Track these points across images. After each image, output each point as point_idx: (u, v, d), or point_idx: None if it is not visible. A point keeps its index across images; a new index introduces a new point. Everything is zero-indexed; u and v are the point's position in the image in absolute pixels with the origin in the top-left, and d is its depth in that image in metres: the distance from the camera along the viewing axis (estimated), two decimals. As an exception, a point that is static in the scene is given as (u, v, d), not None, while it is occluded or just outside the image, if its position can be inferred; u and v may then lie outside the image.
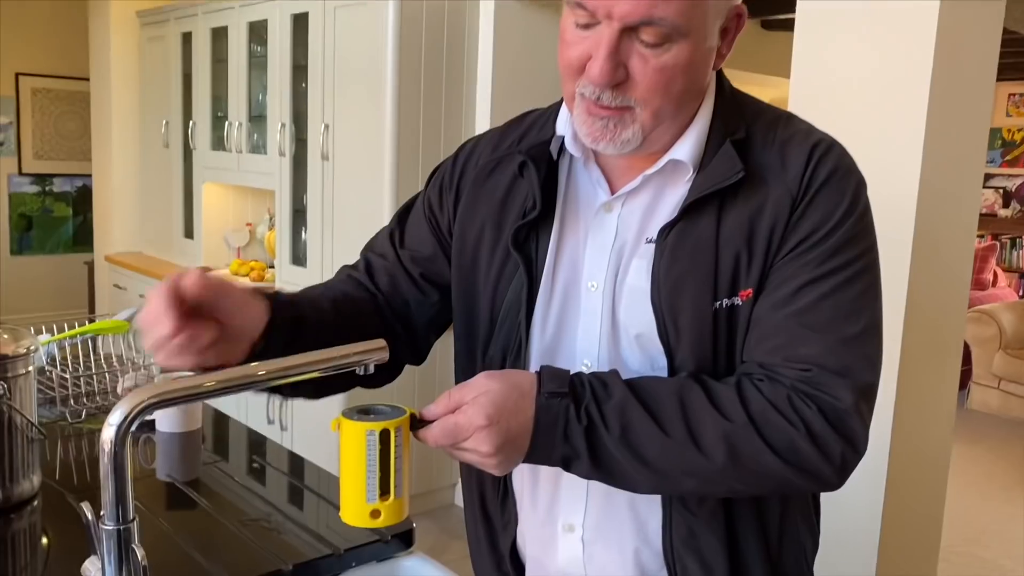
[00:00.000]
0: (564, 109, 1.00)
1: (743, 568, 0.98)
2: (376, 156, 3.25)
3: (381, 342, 0.86)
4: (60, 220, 6.38)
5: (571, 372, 0.88)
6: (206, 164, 4.29)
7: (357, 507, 0.82)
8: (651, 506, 0.98)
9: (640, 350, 0.95)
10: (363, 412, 0.83)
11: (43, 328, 1.99)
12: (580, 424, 0.85)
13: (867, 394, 0.88)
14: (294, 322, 0.93)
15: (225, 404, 3.68)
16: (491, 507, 1.11)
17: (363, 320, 1.05)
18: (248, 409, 3.64)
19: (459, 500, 3.62)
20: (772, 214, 0.90)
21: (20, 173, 6.19)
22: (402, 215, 1.15)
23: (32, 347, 1.34)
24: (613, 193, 0.97)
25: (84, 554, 1.26)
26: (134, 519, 0.74)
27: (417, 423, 0.84)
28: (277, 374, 0.79)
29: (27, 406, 1.35)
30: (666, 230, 0.92)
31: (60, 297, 6.29)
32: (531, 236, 0.99)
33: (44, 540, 1.29)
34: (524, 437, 0.85)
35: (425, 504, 3.52)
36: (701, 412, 0.86)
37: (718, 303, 0.91)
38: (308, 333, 0.94)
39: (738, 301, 0.91)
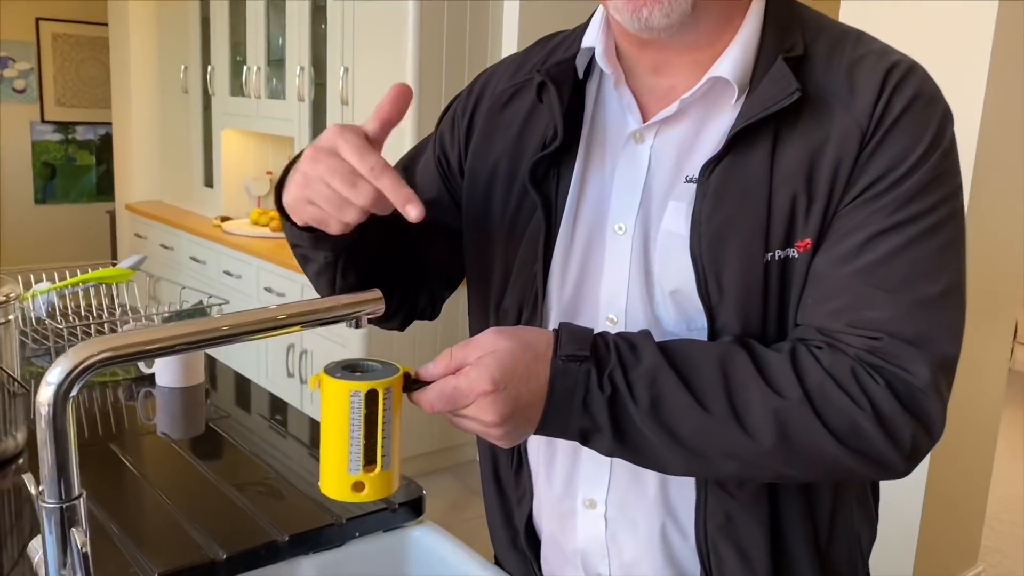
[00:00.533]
0: (596, 16, 0.86)
1: (787, 560, 0.86)
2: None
3: (376, 293, 0.75)
4: (83, 169, 6.32)
5: (594, 332, 0.76)
6: (225, 110, 4.19)
7: (337, 478, 0.72)
8: (684, 485, 0.86)
9: (675, 308, 0.82)
10: (349, 368, 0.72)
11: (43, 276, 1.90)
12: (602, 393, 0.73)
13: (946, 368, 0.75)
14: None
15: (244, 357, 3.61)
16: (505, 478, 1.00)
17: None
18: (268, 363, 3.56)
19: (481, 457, 3.54)
20: (837, 149, 0.76)
21: (43, 121, 6.12)
22: (413, 155, 1.02)
23: (12, 294, 1.24)
24: (646, 121, 0.84)
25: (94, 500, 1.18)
26: (79, 496, 0.64)
27: (411, 384, 0.73)
28: (250, 327, 0.68)
29: (7, 358, 1.25)
30: (710, 167, 0.78)
31: (84, 247, 6.25)
32: (551, 172, 0.87)
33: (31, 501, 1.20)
34: (535, 406, 0.73)
35: (445, 460, 3.44)
36: (747, 384, 0.73)
37: (770, 255, 0.77)
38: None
39: (793, 253, 0.77)
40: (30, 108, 6.07)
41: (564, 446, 0.92)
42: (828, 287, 0.76)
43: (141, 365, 1.59)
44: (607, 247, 0.85)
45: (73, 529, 0.61)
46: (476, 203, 0.93)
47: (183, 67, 4.47)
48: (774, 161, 0.77)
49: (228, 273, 3.82)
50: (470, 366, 0.72)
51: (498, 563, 1.10)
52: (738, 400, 0.73)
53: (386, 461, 0.72)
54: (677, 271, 0.81)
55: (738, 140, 0.77)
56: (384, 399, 0.70)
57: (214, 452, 1.38)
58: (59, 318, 1.74)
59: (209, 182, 4.43)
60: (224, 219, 4.13)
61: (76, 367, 0.61)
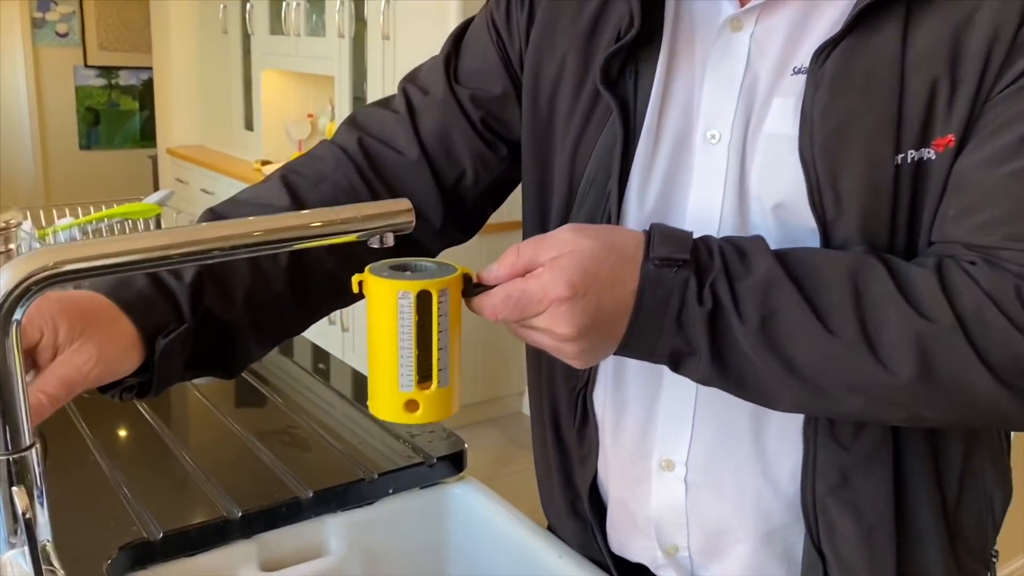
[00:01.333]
0: None
1: (911, 526, 0.72)
2: (441, 33, 2.94)
3: (405, 202, 0.61)
4: (127, 114, 6.26)
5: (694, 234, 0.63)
6: (264, 49, 4.06)
7: (388, 396, 0.61)
8: (785, 438, 0.72)
9: (779, 226, 0.68)
10: (398, 269, 0.60)
11: (66, 212, 1.80)
12: (701, 307, 0.60)
13: None
14: (209, 320, 0.71)
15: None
16: (566, 432, 0.86)
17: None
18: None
19: (527, 409, 3.43)
20: (989, 26, 0.60)
21: (86, 65, 6.05)
22: (458, 38, 0.87)
23: (13, 221, 1.12)
24: (744, 5, 0.69)
25: (83, 467, 1.09)
26: (29, 447, 0.51)
27: (472, 287, 0.61)
28: (239, 240, 0.54)
29: (10, 292, 1.13)
30: (825, 51, 0.64)
31: (128, 192, 6.19)
32: (628, 70, 0.73)
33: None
34: (619, 319, 0.61)
35: (489, 411, 3.33)
36: (885, 303, 0.60)
37: (901, 156, 0.63)
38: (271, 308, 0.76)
39: (931, 154, 0.63)
40: (73, 52, 6.00)
41: (636, 395, 0.78)
42: (977, 194, 0.62)
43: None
44: (696, 159, 0.72)
45: (14, 488, 0.49)
46: (538, 107, 0.80)
47: (222, 6, 4.35)
48: (907, 41, 0.62)
49: (268, 218, 3.72)
50: (543, 268, 0.60)
51: (550, 530, 0.97)
52: (871, 321, 0.60)
53: (443, 376, 0.60)
54: (782, 181, 0.67)
55: (862, 17, 0.62)
56: (439, 302, 0.58)
57: (241, 401, 1.27)
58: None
59: (249, 125, 4.33)
60: (265, 163, 4.04)
61: (22, 282, 0.48)
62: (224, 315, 0.71)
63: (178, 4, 4.74)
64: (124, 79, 6.20)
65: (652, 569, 0.84)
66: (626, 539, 0.85)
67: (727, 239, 0.64)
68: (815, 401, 0.63)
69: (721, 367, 0.62)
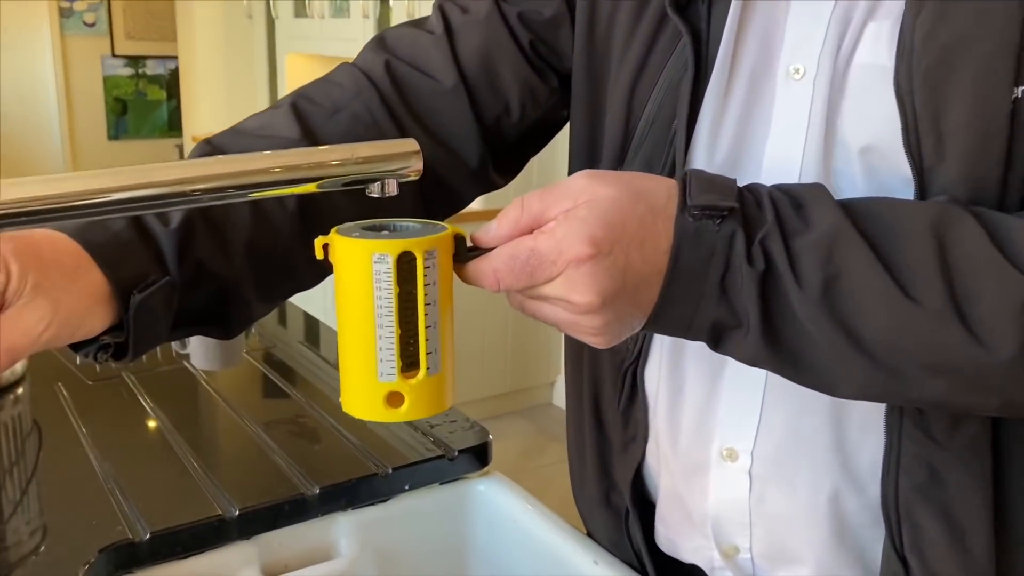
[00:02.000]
0: None
1: (1013, 534, 0.61)
2: None
3: (411, 143, 0.50)
4: (154, 104, 6.22)
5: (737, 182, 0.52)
6: (289, 33, 3.99)
7: (365, 389, 0.50)
8: (867, 427, 0.62)
9: (868, 175, 0.58)
10: (373, 230, 0.50)
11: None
12: (752, 268, 0.49)
13: None
14: (201, 276, 0.60)
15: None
16: (608, 413, 0.76)
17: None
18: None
19: (558, 399, 3.32)
20: None
21: (113, 55, 6.01)
22: None
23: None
24: None
25: (70, 459, 1.00)
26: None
27: (466, 250, 0.51)
28: (197, 185, 0.44)
29: None
30: None
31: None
32: None
33: (34, 433, 1.01)
34: (650, 284, 0.50)
35: (518, 402, 3.23)
36: (979, 264, 0.49)
37: (1020, 89, 0.51)
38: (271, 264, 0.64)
39: None
40: (100, 42, 5.97)
41: (696, 373, 0.67)
42: None
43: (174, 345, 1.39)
44: (777, 97, 0.61)
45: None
46: (593, 32, 0.69)
47: (247, -10, 4.28)
48: None
49: (293, 205, 3.65)
50: (555, 221, 0.49)
51: (585, 525, 0.87)
52: (962, 286, 0.49)
53: (432, 361, 0.50)
54: (873, 120, 0.57)
55: None
56: (425, 267, 0.48)
57: (248, 389, 1.18)
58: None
59: (274, 111, 4.25)
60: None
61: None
62: (220, 269, 0.61)
63: (203, -9, 4.68)
64: (151, 68, 6.16)
65: (707, 572, 0.74)
66: (678, 537, 0.74)
67: (779, 187, 0.53)
68: (887, 385, 0.52)
69: (773, 343, 0.52)
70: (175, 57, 5.82)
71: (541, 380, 3.31)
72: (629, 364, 0.72)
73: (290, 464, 0.89)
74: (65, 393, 1.07)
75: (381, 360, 0.49)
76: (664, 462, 0.73)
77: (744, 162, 0.62)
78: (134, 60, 6.10)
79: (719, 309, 0.51)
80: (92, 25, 5.91)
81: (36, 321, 0.49)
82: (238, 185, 0.44)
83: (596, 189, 0.50)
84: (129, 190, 0.42)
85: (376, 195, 0.49)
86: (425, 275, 0.48)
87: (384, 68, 0.72)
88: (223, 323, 0.64)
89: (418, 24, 0.75)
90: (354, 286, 0.48)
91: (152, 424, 1.00)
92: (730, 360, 0.65)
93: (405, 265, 0.48)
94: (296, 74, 4.08)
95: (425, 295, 0.48)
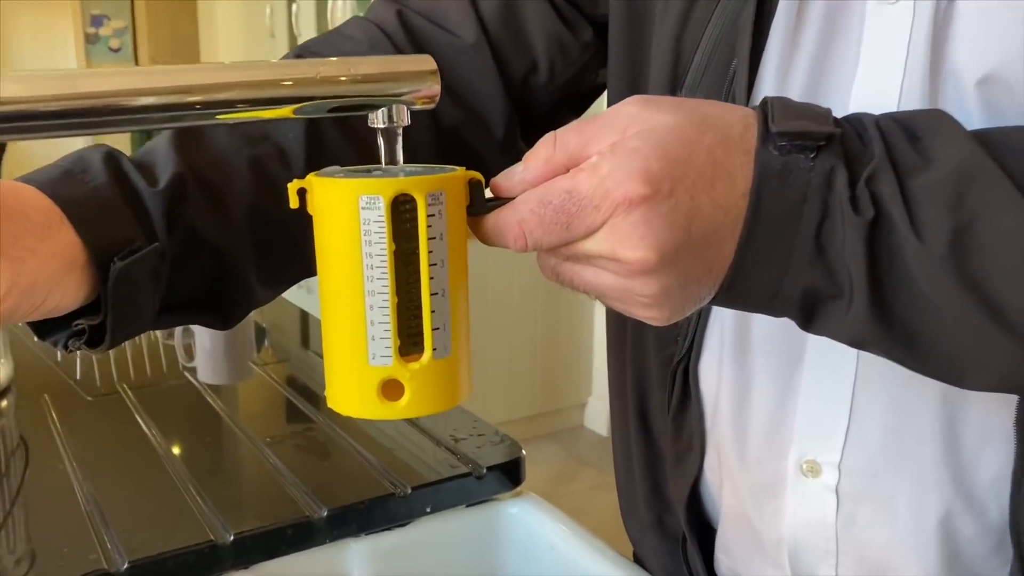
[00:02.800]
0: None
1: None
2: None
3: (427, 60, 0.40)
4: (179, 129, 6.23)
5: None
6: (311, 51, 3.94)
7: (353, 377, 0.39)
8: (989, 433, 0.50)
9: (986, 109, 0.46)
10: (364, 171, 0.39)
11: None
12: (858, 215, 0.38)
13: None
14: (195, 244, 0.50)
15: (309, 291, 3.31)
16: (656, 420, 0.65)
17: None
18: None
19: (591, 422, 3.19)
20: None
21: (137, 80, 6.03)
22: None
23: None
24: None
25: (46, 476, 0.88)
26: None
27: (483, 200, 0.39)
28: (167, 97, 0.34)
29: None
30: None
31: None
32: None
33: (20, 450, 0.91)
34: (723, 237, 0.39)
35: (548, 425, 3.10)
36: None
37: None
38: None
39: None
40: (126, 67, 5.98)
41: (767, 365, 0.56)
42: None
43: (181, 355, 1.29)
44: (867, 25, 0.50)
45: None
46: None
47: (268, 9, 4.25)
48: None
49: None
50: (600, 155, 0.38)
51: (635, 552, 0.75)
52: None
53: (441, 340, 0.39)
54: (992, 44, 0.45)
55: None
56: (429, 216, 0.37)
57: (256, 404, 1.07)
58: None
59: (297, 131, 4.20)
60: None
61: None
62: (216, 238, 0.50)
63: (226, 12, 4.68)
64: (176, 93, 6.17)
65: (781, 611, 0.62)
66: (745, 567, 0.63)
67: (888, 115, 0.42)
68: None
69: (883, 315, 0.40)
70: (199, 81, 5.82)
71: (572, 401, 3.18)
72: (679, 360, 0.61)
73: (295, 483, 0.78)
74: (47, 401, 0.97)
75: (373, 339, 0.38)
76: (727, 477, 0.61)
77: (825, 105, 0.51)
78: (159, 85, 6.11)
79: (813, 271, 0.40)
80: (117, 51, 5.92)
81: None
82: (194, 103, 0.33)
83: (651, 116, 0.39)
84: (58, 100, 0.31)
85: (380, 125, 0.38)
86: (429, 225, 0.37)
87: (397, 19, 0.62)
88: (219, 308, 0.53)
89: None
90: (337, 242, 0.37)
91: (145, 440, 0.89)
92: (809, 349, 0.53)
93: (403, 213, 0.37)
94: (319, 92, 4.04)
95: (430, 252, 0.37)
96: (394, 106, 0.38)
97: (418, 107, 0.39)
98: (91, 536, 0.69)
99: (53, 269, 0.42)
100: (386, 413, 0.39)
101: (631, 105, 0.39)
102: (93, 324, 0.45)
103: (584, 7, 0.64)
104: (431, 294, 0.38)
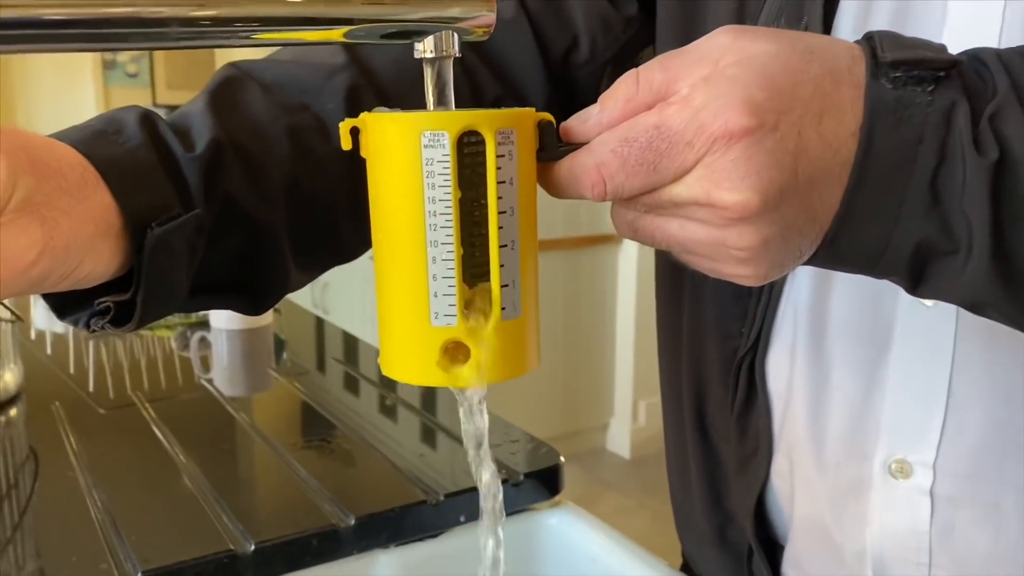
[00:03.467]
0: None
1: None
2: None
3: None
4: (195, 154, 6.24)
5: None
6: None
7: (411, 338, 0.34)
8: None
9: None
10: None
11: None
12: (982, 156, 0.33)
13: None
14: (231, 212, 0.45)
15: (342, 305, 3.26)
16: (717, 420, 0.59)
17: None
18: (369, 310, 3.24)
19: (613, 444, 3.13)
20: None
21: (155, 104, 6.04)
22: None
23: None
24: None
25: (57, 483, 0.84)
26: None
27: (556, 142, 0.35)
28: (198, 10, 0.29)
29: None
30: None
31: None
32: None
33: (29, 461, 0.86)
34: (830, 180, 0.34)
35: (569, 447, 3.04)
36: None
37: None
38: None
39: None
40: (142, 93, 6.00)
41: (849, 354, 0.51)
42: None
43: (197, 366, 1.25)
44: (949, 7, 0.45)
45: None
46: None
47: (286, 32, 4.25)
48: None
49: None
50: (691, 87, 0.33)
51: (686, 566, 0.69)
52: None
53: (510, 299, 0.34)
54: None
55: None
56: (499, 156, 0.32)
57: (277, 412, 1.02)
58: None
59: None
60: None
61: None
62: (255, 209, 0.46)
63: (243, 35, 4.68)
64: (192, 118, 6.19)
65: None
66: (822, 582, 0.57)
67: (1013, 49, 0.37)
68: None
69: (1005, 271, 0.35)
70: (216, 106, 5.84)
71: (594, 423, 3.12)
72: (745, 353, 0.56)
73: (320, 490, 0.73)
74: (58, 407, 0.93)
75: (435, 295, 0.33)
76: (801, 483, 0.56)
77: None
78: (175, 109, 6.12)
79: (927, 223, 0.35)
80: (134, 76, 5.95)
81: (25, 247, 0.34)
82: (216, 17, 0.28)
83: (748, 44, 0.34)
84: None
85: (428, 55, 0.33)
86: (499, 167, 0.33)
87: None
88: (252, 290, 0.49)
89: None
90: (395, 186, 0.33)
91: (160, 449, 0.84)
92: (898, 334, 0.48)
93: (470, 152, 0.32)
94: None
95: (499, 198, 0.33)
96: (442, 33, 0.33)
97: (472, 38, 0.34)
98: (102, 545, 0.65)
99: (87, 233, 0.37)
100: (448, 380, 0.34)
101: (723, 35, 0.35)
102: (121, 301, 0.41)
103: None
104: (500, 246, 0.33)
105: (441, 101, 0.35)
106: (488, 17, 0.34)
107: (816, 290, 0.51)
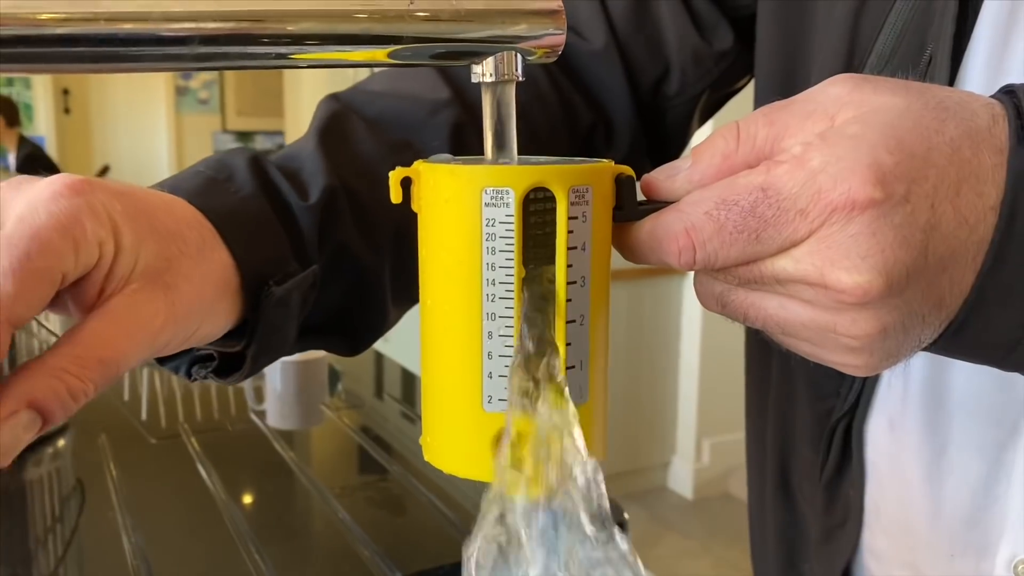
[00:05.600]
0: None
1: None
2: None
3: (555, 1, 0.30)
4: (262, 179, 6.34)
5: None
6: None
7: (459, 424, 0.30)
8: None
9: None
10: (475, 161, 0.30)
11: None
12: None
13: None
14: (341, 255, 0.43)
15: (404, 336, 3.24)
16: (802, 486, 0.54)
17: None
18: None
19: (675, 483, 3.04)
20: None
21: (224, 130, 6.16)
22: None
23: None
24: None
25: (95, 523, 0.83)
26: None
27: (633, 199, 0.30)
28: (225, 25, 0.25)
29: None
30: None
31: (261, 256, 6.26)
32: None
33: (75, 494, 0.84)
34: (962, 261, 0.29)
35: (629, 486, 2.96)
36: None
37: None
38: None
39: None
40: (212, 119, 6.13)
41: (970, 430, 0.45)
42: None
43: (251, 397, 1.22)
44: None
45: None
46: None
47: (352, 59, 4.31)
48: None
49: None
50: (804, 145, 0.28)
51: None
52: None
53: (576, 381, 0.29)
54: None
55: None
56: (571, 218, 0.28)
57: (326, 452, 0.99)
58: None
59: (377, 179, 4.24)
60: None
61: None
62: (364, 256, 0.44)
63: (311, 63, 4.76)
64: (260, 144, 6.28)
65: None
66: None
67: None
68: None
69: None
70: (283, 132, 5.94)
71: (655, 460, 3.03)
72: (842, 415, 0.50)
73: (365, 541, 0.68)
74: (110, 448, 0.90)
75: (490, 376, 0.29)
76: (897, 568, 0.49)
77: None
78: (244, 135, 6.24)
79: None
80: (205, 102, 6.08)
81: (150, 316, 0.32)
82: (244, 34, 0.24)
83: (869, 97, 0.29)
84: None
85: (488, 79, 0.29)
86: (571, 231, 0.28)
87: None
88: (351, 332, 0.47)
89: None
90: (449, 248, 0.29)
91: (203, 489, 0.81)
92: None
93: (536, 210, 0.28)
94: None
95: (569, 266, 0.28)
96: (504, 54, 0.28)
97: (537, 59, 0.30)
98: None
99: (207, 295, 0.35)
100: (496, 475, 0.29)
101: (839, 85, 0.30)
102: (231, 352, 0.39)
103: (725, 3, 0.56)
104: (567, 321, 0.29)
105: (501, 136, 0.30)
106: (558, 37, 0.29)
107: (934, 358, 0.45)
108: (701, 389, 2.88)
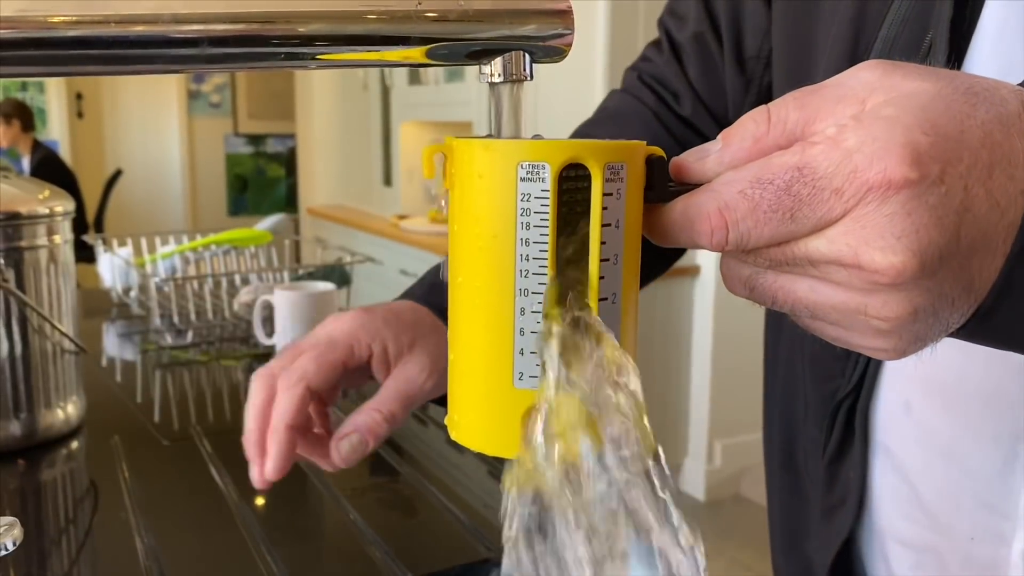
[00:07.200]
0: None
1: None
2: (583, 71, 2.72)
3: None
4: (274, 181, 6.35)
5: None
6: (404, 101, 3.97)
7: (488, 401, 0.30)
8: None
9: None
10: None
11: (171, 239, 1.61)
12: None
13: None
14: None
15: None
16: (807, 463, 0.54)
17: None
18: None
19: (687, 485, 3.03)
20: None
21: (236, 133, 6.19)
22: None
23: (59, 208, 0.89)
24: None
25: (106, 525, 0.86)
26: None
27: (664, 181, 0.30)
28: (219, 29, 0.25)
29: (55, 299, 0.90)
30: None
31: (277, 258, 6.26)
32: None
33: (89, 496, 0.84)
34: (992, 244, 0.29)
35: (643, 487, 2.94)
36: None
37: None
38: None
39: None
40: (224, 122, 6.16)
41: (986, 423, 0.44)
42: None
43: (259, 333, 1.22)
44: None
45: None
46: None
47: (363, 62, 4.31)
48: None
49: (404, 272, 3.55)
50: (839, 127, 0.28)
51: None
52: None
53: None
54: None
55: None
56: (606, 195, 0.28)
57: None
58: (173, 281, 1.41)
59: (388, 180, 4.23)
60: (401, 217, 3.89)
61: None
62: None
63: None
64: (271, 147, 6.31)
65: None
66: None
67: None
68: None
69: None
70: (294, 135, 5.97)
71: (667, 462, 3.02)
72: (845, 396, 0.50)
73: (376, 542, 0.68)
74: (120, 449, 0.90)
75: (522, 353, 0.29)
76: (894, 550, 0.49)
77: None
78: (255, 138, 6.26)
79: None
80: (217, 106, 6.11)
81: (419, 372, 0.56)
82: (252, 36, 0.24)
83: (899, 83, 0.29)
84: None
85: (496, 79, 0.29)
86: (605, 207, 0.28)
87: (638, 81, 0.71)
88: None
89: (655, 42, 0.72)
90: (483, 224, 0.28)
91: (215, 490, 0.81)
92: None
93: (569, 187, 0.28)
94: (410, 142, 4.05)
95: (603, 243, 0.28)
96: (512, 54, 0.28)
97: (545, 59, 0.30)
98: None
99: (444, 355, 0.49)
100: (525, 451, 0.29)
101: (867, 71, 0.29)
102: None
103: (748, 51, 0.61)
104: (600, 299, 0.29)
105: (513, 132, 0.30)
106: (567, 37, 0.29)
107: (953, 344, 0.45)
108: (713, 391, 2.87)
